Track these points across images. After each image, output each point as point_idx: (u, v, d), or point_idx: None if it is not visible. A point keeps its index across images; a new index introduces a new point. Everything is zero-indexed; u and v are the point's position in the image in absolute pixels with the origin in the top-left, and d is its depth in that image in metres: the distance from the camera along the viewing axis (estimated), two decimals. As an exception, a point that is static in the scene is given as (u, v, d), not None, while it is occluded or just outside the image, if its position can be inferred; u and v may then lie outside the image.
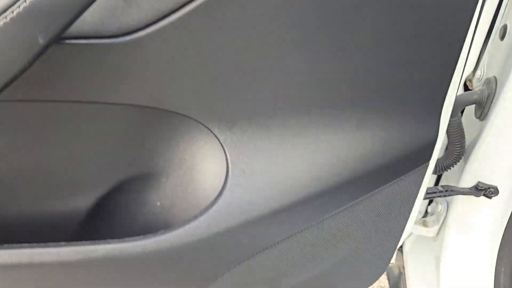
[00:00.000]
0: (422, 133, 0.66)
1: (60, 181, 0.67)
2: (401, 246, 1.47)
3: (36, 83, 0.58)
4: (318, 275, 0.80)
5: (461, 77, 0.76)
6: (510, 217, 0.98)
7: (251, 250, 0.68)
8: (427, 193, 1.03)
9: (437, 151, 0.77)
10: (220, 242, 0.64)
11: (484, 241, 1.03)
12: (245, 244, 0.66)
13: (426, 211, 1.35)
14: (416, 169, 0.69)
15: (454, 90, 0.70)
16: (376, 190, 0.69)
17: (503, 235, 0.99)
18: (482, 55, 1.08)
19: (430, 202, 1.33)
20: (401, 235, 0.80)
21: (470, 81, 1.13)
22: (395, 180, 0.69)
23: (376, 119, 0.65)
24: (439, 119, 0.67)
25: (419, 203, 0.92)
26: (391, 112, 0.64)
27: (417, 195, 0.74)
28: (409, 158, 0.68)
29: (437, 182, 1.22)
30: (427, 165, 0.70)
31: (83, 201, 0.69)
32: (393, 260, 1.44)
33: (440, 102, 0.65)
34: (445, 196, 1.03)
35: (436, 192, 1.03)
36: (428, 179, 0.79)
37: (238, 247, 0.66)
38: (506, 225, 0.98)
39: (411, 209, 0.76)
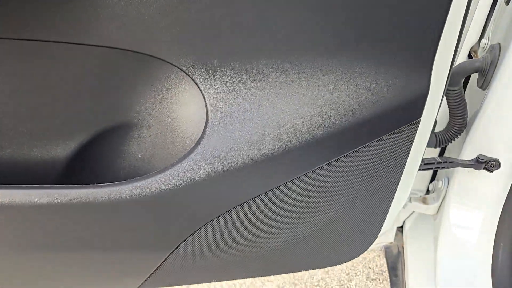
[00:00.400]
0: (412, 87, 0.63)
1: (38, 127, 0.66)
2: (401, 226, 1.45)
3: (14, 21, 0.56)
4: (303, 237, 0.77)
5: (460, 35, 0.72)
6: (509, 191, 0.94)
7: (230, 203, 0.66)
8: (425, 163, 1.00)
9: (433, 112, 0.74)
10: (197, 192, 0.62)
11: (484, 216, 1.00)
12: (223, 196, 0.65)
13: (428, 190, 1.31)
14: (406, 125, 0.66)
15: (450, 46, 0.67)
16: (363, 146, 0.66)
17: (502, 210, 0.95)
18: (489, 24, 1.04)
19: (432, 180, 1.30)
20: (391, 200, 0.77)
21: (475, 52, 1.09)
22: (384, 136, 0.66)
23: (363, 69, 0.62)
24: (430, 73, 0.63)
25: (415, 170, 0.89)
26: (379, 63, 0.61)
27: (407, 155, 0.71)
28: (399, 113, 0.65)
29: (440, 158, 1.19)
30: (418, 122, 0.67)
31: (63, 149, 0.67)
32: (392, 240, 1.42)
33: (431, 54, 0.62)
34: (443, 168, 1.00)
35: (434, 163, 1.00)
36: (423, 141, 0.76)
37: (216, 198, 0.65)
38: (506, 199, 0.94)
39: (401, 170, 0.73)
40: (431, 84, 0.66)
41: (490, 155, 0.98)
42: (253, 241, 0.75)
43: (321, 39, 0.59)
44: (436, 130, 1.07)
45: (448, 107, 1.01)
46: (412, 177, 0.90)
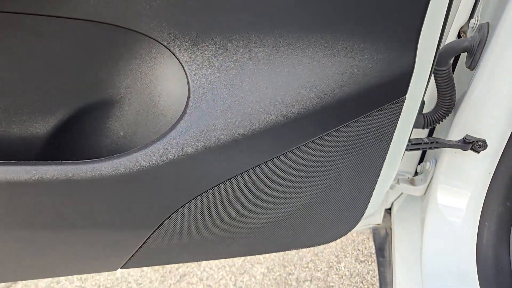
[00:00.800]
0: (397, 63, 0.62)
1: (16, 103, 0.64)
2: (389, 208, 1.45)
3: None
4: (287, 216, 0.77)
5: (448, 13, 0.71)
6: (495, 171, 0.94)
7: (213, 181, 0.65)
8: (412, 143, 1.00)
9: (420, 90, 0.74)
10: (178, 169, 0.62)
11: (470, 197, 1.00)
12: (206, 173, 0.64)
13: (416, 172, 1.32)
14: (391, 103, 0.65)
15: (436, 24, 0.66)
16: (348, 123, 0.65)
17: (488, 190, 0.95)
18: (478, 3, 1.03)
19: (420, 162, 1.30)
20: (376, 179, 0.77)
21: (465, 32, 1.08)
22: (368, 113, 0.65)
23: (347, 45, 0.61)
24: (415, 50, 0.62)
25: (402, 150, 0.89)
26: (364, 38, 0.60)
27: (393, 133, 0.70)
28: (383, 90, 0.64)
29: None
30: (403, 100, 0.66)
31: (42, 126, 0.66)
32: (380, 221, 1.42)
33: (416, 30, 0.61)
34: (430, 148, 1.00)
35: (421, 144, 1.00)
36: (409, 120, 0.76)
37: (198, 176, 0.64)
38: (491, 180, 0.94)
39: (387, 149, 0.72)
40: (416, 62, 0.65)
41: (477, 135, 0.98)
42: (237, 219, 0.75)
43: (304, 13, 0.58)
44: (425, 111, 1.07)
45: (436, 87, 1.00)
46: (399, 157, 0.90)
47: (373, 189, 0.78)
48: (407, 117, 0.75)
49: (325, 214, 0.80)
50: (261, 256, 1.94)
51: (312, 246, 0.88)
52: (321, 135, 0.65)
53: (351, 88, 0.62)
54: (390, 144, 0.72)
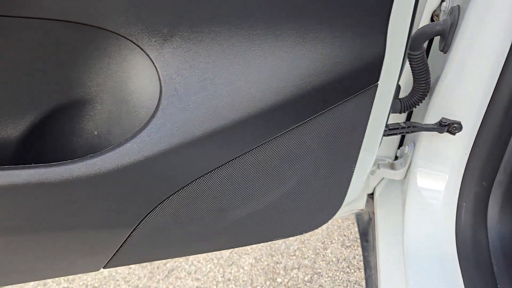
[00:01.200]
0: (367, 51, 0.62)
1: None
2: (372, 193, 1.47)
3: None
4: (267, 207, 0.77)
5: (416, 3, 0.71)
6: (470, 153, 0.96)
7: (190, 176, 0.65)
8: (389, 129, 1.01)
9: (393, 76, 0.74)
10: (154, 166, 0.61)
11: (448, 178, 1.02)
12: (182, 169, 0.64)
13: (396, 157, 1.33)
14: (364, 90, 0.66)
15: (406, 9, 0.66)
16: (322, 112, 0.66)
17: (464, 171, 0.97)
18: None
19: (400, 146, 1.32)
20: (354, 165, 0.77)
21: (438, 15, 1.09)
22: (342, 102, 0.66)
23: (317, 34, 0.61)
24: (385, 36, 0.63)
25: (379, 136, 0.90)
26: (333, 27, 0.60)
27: (367, 120, 0.71)
28: (355, 78, 0.64)
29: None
30: (376, 87, 0.67)
31: (13, 129, 0.65)
32: (363, 206, 1.44)
33: (385, 16, 0.61)
34: (407, 132, 1.01)
35: (398, 128, 1.01)
36: (384, 106, 0.76)
37: (174, 172, 0.64)
38: (467, 161, 0.96)
39: (362, 136, 0.73)
40: (387, 48, 0.65)
41: (453, 118, 0.99)
42: (216, 213, 0.75)
43: (272, 4, 0.58)
44: (401, 96, 1.08)
45: (412, 72, 1.01)
46: (376, 143, 0.90)
47: (351, 176, 0.79)
48: (382, 103, 0.76)
49: (306, 203, 0.80)
50: (248, 247, 1.96)
51: (296, 234, 0.89)
52: (296, 125, 0.66)
53: (323, 77, 0.62)
54: (365, 131, 0.72)
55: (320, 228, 1.98)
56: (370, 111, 0.70)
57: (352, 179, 0.87)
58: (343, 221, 1.99)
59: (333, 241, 1.92)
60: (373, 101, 0.69)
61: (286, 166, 0.71)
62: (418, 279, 0.96)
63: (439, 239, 0.99)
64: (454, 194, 0.99)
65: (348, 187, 0.81)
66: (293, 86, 0.61)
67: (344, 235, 1.92)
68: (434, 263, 0.97)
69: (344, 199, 0.84)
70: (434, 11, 1.09)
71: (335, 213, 0.87)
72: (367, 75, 0.65)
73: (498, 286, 0.87)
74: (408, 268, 1.00)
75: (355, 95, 0.65)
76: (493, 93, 0.88)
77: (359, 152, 0.75)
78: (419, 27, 1.02)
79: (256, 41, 0.59)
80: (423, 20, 1.11)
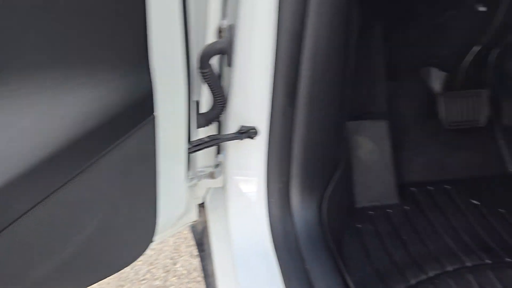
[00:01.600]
0: (134, 87, 0.64)
1: None
2: (203, 202, 1.51)
3: None
4: (77, 253, 0.74)
5: (185, 22, 0.75)
6: (268, 153, 1.06)
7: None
8: (193, 146, 1.05)
9: (174, 103, 0.77)
10: None
11: (257, 180, 1.10)
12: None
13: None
14: (140, 124, 0.67)
15: (169, 36, 0.69)
16: (105, 151, 0.65)
17: (267, 171, 1.07)
18: (227, 5, 1.12)
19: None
20: (154, 194, 0.79)
21: (222, 31, 1.17)
22: (121, 140, 0.66)
23: (82, 80, 0.60)
24: (149, 69, 0.65)
25: (182, 157, 0.93)
26: (93, 71, 0.60)
27: (154, 149, 0.72)
28: (128, 115, 0.65)
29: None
30: (154, 117, 0.69)
31: None
32: (196, 217, 1.48)
33: (142, 53, 0.63)
34: (212, 146, 1.07)
35: (202, 144, 1.05)
36: (172, 132, 0.79)
37: None
38: (268, 161, 1.06)
39: (153, 165, 0.74)
40: (158, 80, 0.68)
41: (249, 124, 1.07)
42: (19, 273, 0.69)
43: (28, 56, 0.55)
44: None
45: (207, 87, 1.07)
46: (181, 163, 0.93)
47: (155, 203, 0.80)
48: (171, 128, 0.79)
49: (115, 241, 0.79)
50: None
51: (114, 273, 0.87)
52: (79, 172, 0.64)
53: (95, 121, 0.61)
54: (155, 158, 0.74)
55: (166, 245, 1.97)
56: (155, 140, 0.72)
57: (169, 199, 0.89)
58: (189, 232, 2.01)
59: (181, 254, 1.94)
60: (154, 131, 0.71)
61: (82, 212, 0.69)
62: (245, 277, 1.03)
63: (258, 236, 1.08)
64: (264, 194, 1.08)
65: (155, 218, 0.82)
66: (63, 135, 0.59)
67: (192, 245, 1.95)
68: (257, 259, 1.05)
69: (155, 227, 0.84)
70: (220, 28, 1.17)
71: (149, 244, 0.87)
72: (140, 110, 0.66)
73: (306, 267, 0.98)
74: (237, 269, 1.06)
75: (132, 130, 0.66)
76: (271, 97, 0.99)
77: (155, 182, 0.77)
78: (205, 44, 1.08)
79: (15, 97, 0.56)
80: (212, 37, 1.17)
